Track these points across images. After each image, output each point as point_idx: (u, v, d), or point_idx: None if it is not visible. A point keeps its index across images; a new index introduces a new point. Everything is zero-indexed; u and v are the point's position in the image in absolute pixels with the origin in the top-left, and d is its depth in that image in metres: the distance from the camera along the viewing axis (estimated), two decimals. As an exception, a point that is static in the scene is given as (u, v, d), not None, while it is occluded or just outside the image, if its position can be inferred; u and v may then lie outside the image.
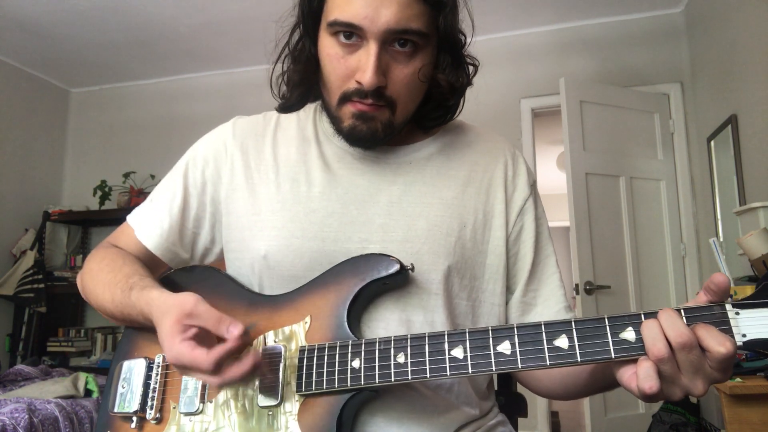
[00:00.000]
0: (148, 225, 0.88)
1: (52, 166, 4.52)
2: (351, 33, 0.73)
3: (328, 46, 0.76)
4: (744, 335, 0.56)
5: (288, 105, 0.86)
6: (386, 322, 0.77)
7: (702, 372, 0.56)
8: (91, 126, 4.62)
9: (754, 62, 2.45)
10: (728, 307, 0.57)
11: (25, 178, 4.25)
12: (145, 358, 0.82)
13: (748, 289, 1.81)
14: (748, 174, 2.57)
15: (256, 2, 3.34)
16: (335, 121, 0.80)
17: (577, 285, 3.02)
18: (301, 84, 0.83)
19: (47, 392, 2.34)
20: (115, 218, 4.13)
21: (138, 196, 4.09)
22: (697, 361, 0.56)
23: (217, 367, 0.65)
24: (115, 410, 0.80)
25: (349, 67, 0.75)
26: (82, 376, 2.53)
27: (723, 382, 0.59)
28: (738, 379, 1.48)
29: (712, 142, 3.03)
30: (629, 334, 0.59)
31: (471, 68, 0.85)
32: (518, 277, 0.87)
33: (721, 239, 2.86)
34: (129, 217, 0.91)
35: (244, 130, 0.90)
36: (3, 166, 4.07)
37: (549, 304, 0.87)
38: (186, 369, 0.67)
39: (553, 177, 6.37)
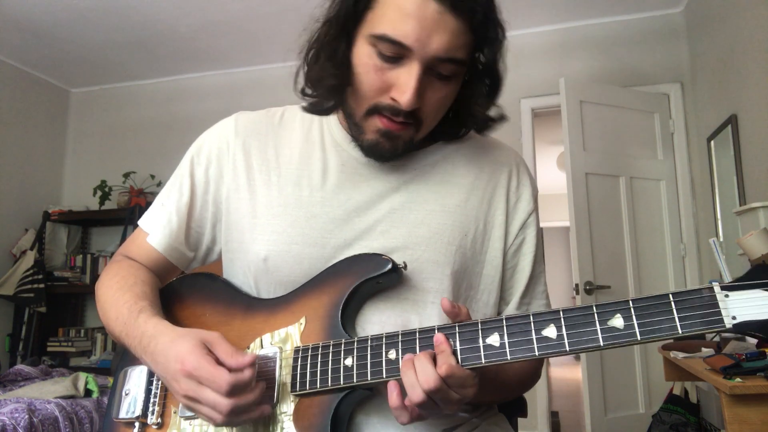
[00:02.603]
0: (159, 227, 0.87)
1: (52, 166, 4.52)
2: (396, 49, 0.70)
3: (366, 56, 0.73)
4: (734, 317, 0.55)
5: (321, 108, 0.82)
6: (382, 325, 0.76)
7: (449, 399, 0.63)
8: (91, 126, 4.62)
9: (754, 62, 2.44)
10: (717, 289, 0.56)
11: (25, 178, 4.25)
12: None
13: (748, 290, 1.80)
14: (748, 174, 2.56)
15: (255, 2, 3.34)
16: (356, 129, 0.79)
17: (577, 285, 3.01)
18: (337, 90, 0.78)
19: (47, 392, 2.34)
20: (115, 218, 4.14)
21: (138, 196, 4.08)
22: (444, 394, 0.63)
23: (232, 391, 0.64)
24: (119, 416, 0.81)
25: (386, 81, 0.72)
26: (82, 376, 2.52)
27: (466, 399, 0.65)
28: (738, 379, 1.47)
29: (712, 142, 3.03)
30: (618, 321, 0.59)
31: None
32: (515, 289, 0.87)
33: (721, 239, 2.86)
34: (141, 221, 0.90)
35: (247, 128, 0.88)
36: (3, 166, 4.07)
37: None
38: (194, 396, 0.66)
39: (553, 177, 6.37)
